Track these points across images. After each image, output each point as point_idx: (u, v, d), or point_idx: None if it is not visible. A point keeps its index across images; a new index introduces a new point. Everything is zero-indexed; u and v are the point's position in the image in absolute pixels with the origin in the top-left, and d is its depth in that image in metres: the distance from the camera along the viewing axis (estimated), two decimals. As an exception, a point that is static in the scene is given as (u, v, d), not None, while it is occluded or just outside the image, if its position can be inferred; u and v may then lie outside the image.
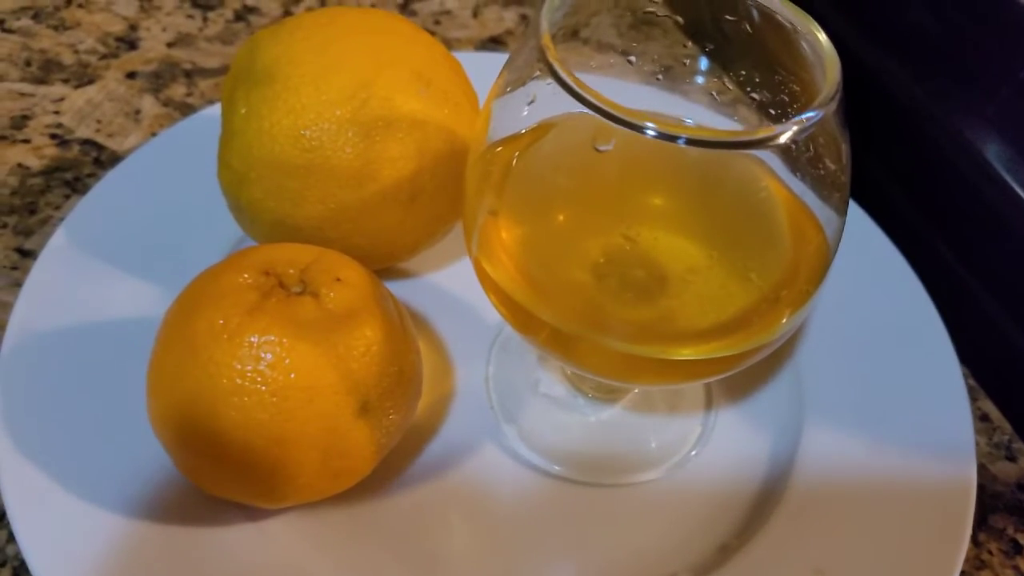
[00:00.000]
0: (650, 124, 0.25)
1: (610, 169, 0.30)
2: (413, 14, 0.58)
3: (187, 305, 0.31)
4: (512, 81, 0.30)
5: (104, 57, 0.52)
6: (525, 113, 0.30)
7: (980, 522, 0.38)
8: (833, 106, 0.27)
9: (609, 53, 0.38)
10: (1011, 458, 0.40)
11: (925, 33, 0.53)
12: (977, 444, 0.40)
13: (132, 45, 0.53)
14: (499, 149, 0.31)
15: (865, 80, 0.51)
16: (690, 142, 0.25)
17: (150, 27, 0.54)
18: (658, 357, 0.29)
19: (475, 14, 0.58)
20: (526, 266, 0.31)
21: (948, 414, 0.38)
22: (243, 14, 0.56)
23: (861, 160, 0.52)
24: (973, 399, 0.42)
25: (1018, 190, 0.44)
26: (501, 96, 0.30)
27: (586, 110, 0.26)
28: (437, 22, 0.58)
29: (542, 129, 0.32)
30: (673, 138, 0.25)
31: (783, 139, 0.26)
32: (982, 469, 0.40)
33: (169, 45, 0.53)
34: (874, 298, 0.42)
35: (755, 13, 0.31)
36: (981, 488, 0.39)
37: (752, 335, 0.30)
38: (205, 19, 0.55)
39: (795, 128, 0.26)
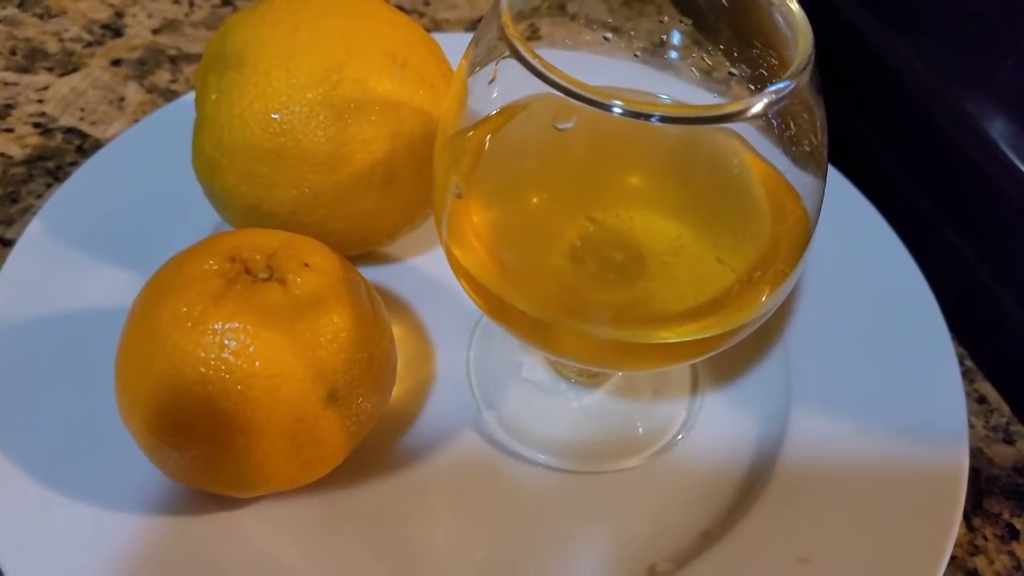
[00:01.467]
0: (617, 102, 0.24)
1: (582, 149, 0.30)
2: (403, -5, 0.57)
3: (152, 293, 0.31)
4: (478, 61, 0.29)
5: (89, 45, 0.52)
6: (494, 95, 0.29)
7: (975, 507, 0.37)
8: (805, 77, 0.26)
9: (596, 29, 0.37)
10: (1009, 441, 0.39)
11: (927, 5, 0.52)
12: (974, 427, 0.39)
13: (117, 32, 0.53)
14: (468, 131, 0.31)
15: (866, 54, 0.50)
16: (660, 119, 0.24)
17: (136, 13, 0.54)
18: (637, 341, 0.29)
19: (465, -6, 0.57)
20: (498, 251, 0.30)
21: (940, 395, 0.37)
22: (230, -1, 0.55)
23: (861, 137, 0.51)
24: (970, 380, 0.41)
25: (1021, 167, 0.43)
26: (468, 77, 0.30)
27: (551, 89, 0.25)
28: (427, 2, 0.57)
29: (511, 110, 0.31)
30: (639, 115, 0.24)
31: (753, 111, 0.25)
32: (978, 452, 0.39)
33: (155, 31, 0.53)
34: (866, 277, 0.41)
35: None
36: (976, 472, 0.38)
37: (733, 313, 0.29)
38: (192, 4, 0.55)
39: (766, 100, 0.25)
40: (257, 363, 0.29)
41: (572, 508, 0.35)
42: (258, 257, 0.31)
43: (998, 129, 0.45)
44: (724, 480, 0.35)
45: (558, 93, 0.25)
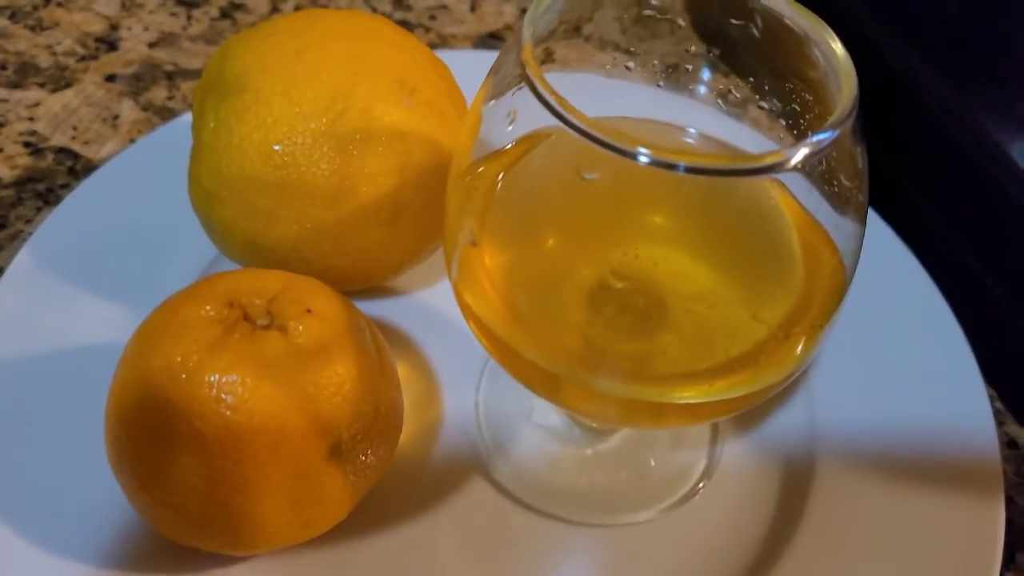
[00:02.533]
0: (644, 150, 0.23)
1: (603, 188, 0.28)
2: (408, 8, 0.55)
3: (145, 339, 0.29)
4: (495, 94, 0.27)
5: (83, 59, 0.50)
6: (510, 128, 0.28)
7: (1007, 560, 0.35)
8: (849, 124, 0.24)
9: (612, 51, 0.35)
10: (1041, 489, 0.37)
11: (952, 29, 0.50)
12: (1004, 472, 0.38)
13: (112, 46, 0.51)
14: (481, 168, 0.29)
15: (888, 78, 0.48)
16: (689, 170, 0.23)
17: (131, 26, 0.52)
18: (657, 400, 0.27)
19: (472, 8, 0.56)
20: (511, 296, 0.28)
21: (973, 443, 0.36)
22: (229, 11, 0.53)
23: (883, 163, 0.49)
24: (999, 423, 0.39)
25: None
26: (484, 108, 0.28)
27: (573, 132, 0.23)
28: (433, 17, 0.55)
29: (528, 143, 0.29)
30: (670, 166, 0.23)
31: (793, 163, 0.23)
32: (1009, 502, 0.37)
33: (151, 45, 0.51)
34: (894, 317, 0.39)
35: (763, 17, 0.28)
36: (1009, 523, 0.36)
37: (761, 372, 0.27)
38: (189, 17, 0.53)
39: (807, 151, 0.23)
40: (256, 419, 0.27)
41: (585, 564, 0.33)
42: (258, 302, 0.29)
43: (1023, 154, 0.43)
44: (746, 534, 0.34)
45: (581, 138, 0.23)
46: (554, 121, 0.24)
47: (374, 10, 0.55)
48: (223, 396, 0.27)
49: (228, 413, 0.27)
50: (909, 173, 0.48)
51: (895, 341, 0.38)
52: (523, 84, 0.25)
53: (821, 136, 0.23)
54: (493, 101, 0.27)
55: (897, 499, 0.34)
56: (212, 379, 0.27)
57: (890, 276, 0.40)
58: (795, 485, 0.35)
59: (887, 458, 0.35)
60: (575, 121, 0.23)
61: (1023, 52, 0.47)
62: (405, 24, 0.54)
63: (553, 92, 0.24)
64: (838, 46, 0.25)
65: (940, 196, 0.46)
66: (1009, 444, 0.39)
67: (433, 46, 0.51)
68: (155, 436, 0.27)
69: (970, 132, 0.44)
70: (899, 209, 0.44)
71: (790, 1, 0.27)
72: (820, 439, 0.36)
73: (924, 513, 0.34)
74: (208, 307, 0.29)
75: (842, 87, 0.24)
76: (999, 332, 0.42)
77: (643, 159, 0.23)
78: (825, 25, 0.26)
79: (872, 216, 0.42)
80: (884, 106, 0.49)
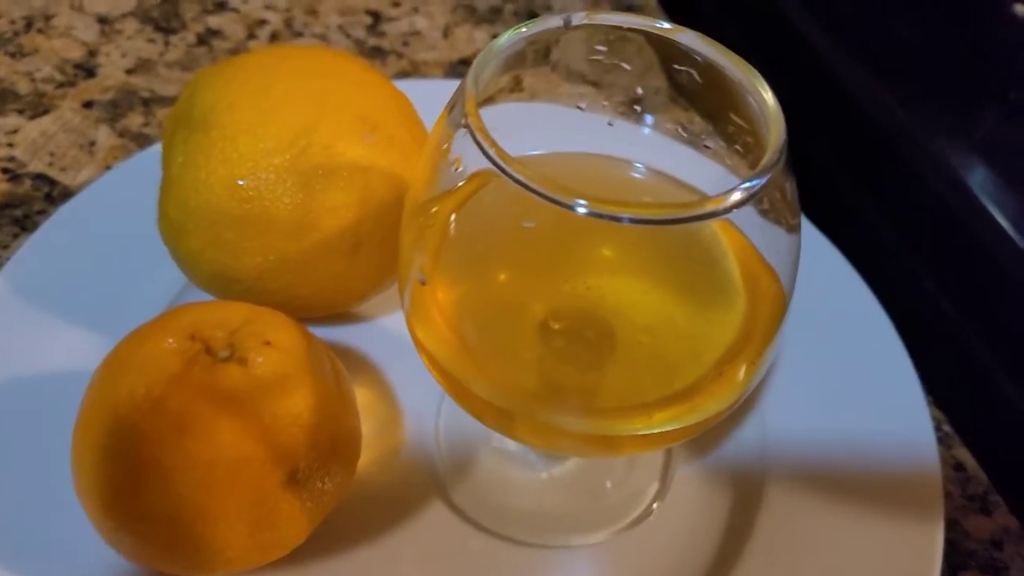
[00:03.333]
0: (581, 202, 0.24)
1: (553, 224, 0.29)
2: (382, 35, 0.56)
3: (111, 370, 0.30)
4: (448, 132, 0.28)
5: (61, 86, 0.51)
6: (461, 171, 0.29)
7: (950, 581, 0.36)
8: (779, 167, 0.26)
9: (578, 83, 0.36)
10: (986, 511, 0.39)
11: (909, 52, 0.51)
12: (950, 495, 0.39)
13: (90, 72, 0.52)
14: (435, 205, 0.30)
15: (846, 101, 0.49)
16: (625, 220, 0.24)
17: (109, 52, 0.53)
18: (605, 433, 0.28)
19: (445, 34, 0.57)
20: (462, 332, 0.29)
21: (916, 465, 0.37)
22: (206, 37, 0.55)
23: (840, 186, 0.51)
24: (947, 447, 0.41)
25: (1002, 223, 0.42)
26: (439, 147, 0.29)
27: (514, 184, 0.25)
28: (406, 43, 0.56)
29: (480, 180, 0.30)
30: (606, 216, 0.24)
31: (726, 206, 0.25)
32: (954, 524, 0.38)
33: (128, 72, 0.52)
34: (843, 341, 0.40)
35: (702, 64, 0.29)
36: (952, 544, 0.37)
37: (706, 401, 0.29)
38: (167, 43, 0.54)
39: (739, 196, 0.25)
40: (215, 449, 0.28)
41: (541, 584, 0.34)
42: (219, 335, 0.30)
43: (977, 180, 0.44)
44: (698, 552, 0.35)
45: (522, 190, 0.24)
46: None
47: (348, 36, 0.56)
48: (184, 427, 0.28)
49: (188, 442, 0.28)
50: (865, 196, 0.49)
51: (843, 365, 0.40)
52: (470, 137, 0.26)
53: (752, 183, 0.25)
54: (445, 144, 0.28)
55: (842, 519, 0.35)
56: (174, 410, 0.28)
57: (840, 305, 0.42)
58: (745, 505, 0.36)
59: (833, 479, 0.36)
60: (515, 174, 0.24)
61: (977, 69, 0.49)
62: (378, 50, 0.55)
63: (494, 144, 0.25)
64: (768, 95, 0.27)
65: (894, 219, 0.47)
66: (956, 467, 0.40)
67: (405, 73, 0.52)
68: (119, 464, 0.28)
69: (922, 153, 0.45)
70: (854, 234, 0.46)
71: (725, 51, 0.28)
72: (769, 460, 0.37)
73: (867, 531, 0.35)
74: (171, 340, 0.30)
75: (771, 134, 0.26)
76: (950, 356, 0.43)
77: (582, 211, 0.24)
78: (755, 72, 0.27)
79: (824, 242, 0.44)
80: (833, 121, 0.51)
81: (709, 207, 0.24)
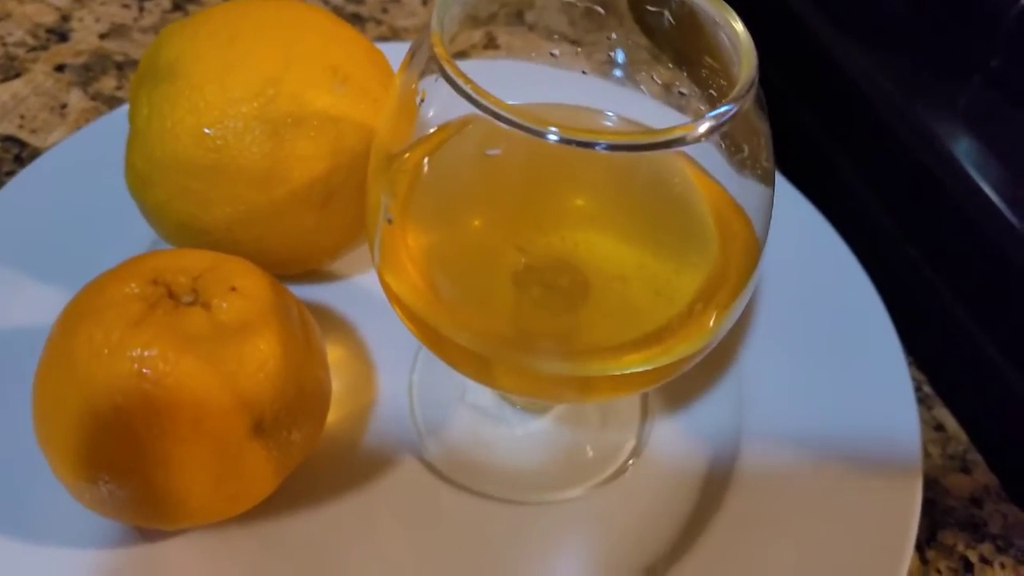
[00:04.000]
0: (552, 129, 0.23)
1: (521, 170, 0.28)
2: (360, 2, 0.56)
3: (69, 318, 0.29)
4: (412, 78, 0.28)
5: (33, 49, 0.50)
6: (429, 114, 0.28)
7: (929, 539, 0.36)
8: (749, 99, 0.25)
9: (553, 39, 0.36)
10: (965, 470, 0.38)
11: (893, 19, 0.51)
12: (930, 455, 0.39)
13: (63, 37, 0.51)
14: (404, 152, 0.29)
15: (829, 69, 0.49)
16: (596, 146, 0.23)
17: (83, 17, 0.52)
18: (581, 374, 0.27)
19: (424, 1, 0.56)
20: (433, 279, 0.29)
21: (895, 423, 0.36)
22: (181, 3, 0.54)
23: (825, 154, 0.50)
24: (928, 407, 0.40)
25: (985, 189, 0.42)
26: (403, 93, 0.28)
27: (483, 115, 0.24)
28: (385, 10, 0.55)
29: (450, 127, 0.30)
30: (575, 143, 0.23)
31: (694, 136, 0.24)
32: (934, 483, 0.38)
33: (102, 36, 0.51)
34: (821, 297, 0.40)
35: (673, 6, 0.29)
36: (931, 503, 0.37)
37: (681, 342, 0.28)
38: (141, 9, 0.53)
39: (708, 125, 0.24)
40: (177, 393, 0.27)
41: (516, 541, 0.33)
42: (182, 280, 0.30)
43: (962, 147, 0.44)
44: (673, 509, 0.34)
45: (488, 118, 0.24)
46: (467, 107, 0.24)
47: (327, 3, 0.55)
48: (144, 371, 0.27)
49: (149, 387, 0.27)
50: (844, 154, 0.49)
51: (821, 324, 0.39)
52: (436, 70, 0.25)
53: (721, 110, 0.24)
54: (412, 86, 0.28)
55: (819, 477, 0.35)
56: (134, 354, 0.27)
57: (820, 263, 0.41)
58: (720, 462, 0.36)
59: (810, 436, 0.36)
60: (486, 103, 0.24)
61: (960, 36, 0.48)
62: (357, 17, 0.55)
63: (463, 76, 0.24)
64: (739, 26, 0.26)
65: (874, 180, 0.47)
66: (936, 428, 0.40)
67: (384, 39, 0.51)
68: (78, 412, 0.28)
69: (908, 122, 0.45)
70: (835, 196, 0.45)
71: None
72: (746, 418, 0.37)
73: (845, 490, 0.34)
74: (133, 285, 0.29)
75: (742, 64, 0.25)
76: (930, 317, 0.43)
77: (552, 138, 0.23)
78: (729, 8, 0.27)
79: (803, 202, 0.43)
80: (821, 90, 0.50)
81: (678, 133, 0.24)
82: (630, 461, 0.36)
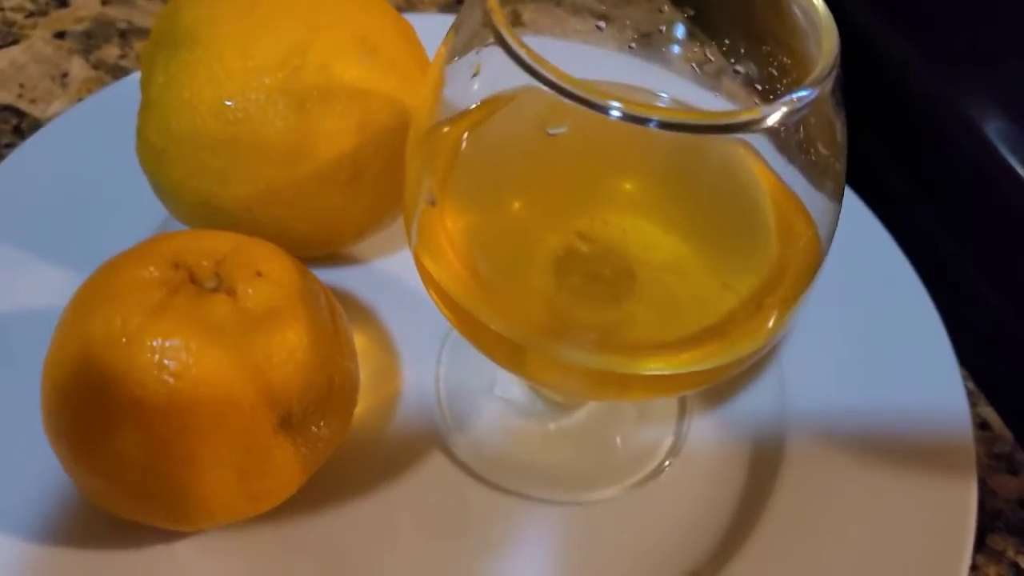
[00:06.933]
0: (616, 104, 0.21)
1: (572, 151, 0.27)
2: (375, -28, 0.53)
3: (83, 302, 0.27)
4: (459, 48, 0.26)
5: (32, 15, 0.48)
6: (475, 87, 0.26)
7: (978, 543, 0.34)
8: (829, 84, 0.23)
9: (585, 16, 0.34)
10: (1012, 471, 0.37)
11: (938, 11, 0.49)
12: (975, 455, 0.37)
13: (63, 2, 0.49)
14: (445, 127, 0.27)
15: (860, 50, 0.47)
16: (663, 125, 0.21)
17: (84, -18, 0.50)
18: (623, 372, 0.26)
19: (442, -28, 0.54)
20: (473, 262, 0.27)
21: (946, 424, 0.35)
22: (188, -31, 0.51)
23: (854, 137, 0.49)
24: (972, 405, 0.39)
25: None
26: (447, 66, 0.26)
27: (540, 85, 0.22)
28: (400, -20, 0.53)
29: (495, 102, 0.28)
30: (642, 120, 0.21)
31: (770, 122, 0.22)
32: (980, 484, 0.36)
33: (104, 2, 0.49)
34: (868, 293, 0.38)
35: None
36: (980, 505, 0.35)
37: (731, 345, 0.26)
38: (146, -27, 0.51)
39: (785, 110, 0.22)
40: (201, 387, 0.25)
41: (546, 542, 0.32)
42: (205, 263, 0.27)
43: (996, 130, 0.42)
44: (714, 512, 0.33)
45: (549, 91, 0.22)
46: (521, 78, 0.22)
47: (339, -28, 0.53)
48: (166, 362, 0.25)
49: (171, 380, 0.25)
50: (888, 156, 0.47)
51: (868, 320, 0.38)
52: (489, 40, 0.23)
53: (800, 93, 0.22)
54: (457, 58, 0.26)
55: (868, 479, 0.33)
56: (154, 344, 0.25)
57: (865, 255, 0.39)
58: (764, 463, 0.34)
59: (858, 437, 0.34)
60: (544, 73, 0.22)
61: (995, 19, 0.47)
62: (371, -13, 0.52)
63: (522, 44, 0.22)
64: (819, 2, 0.24)
65: (919, 179, 0.45)
66: (981, 426, 0.38)
67: (400, 9, 0.49)
68: (93, 404, 0.26)
69: (954, 117, 0.43)
70: (876, 191, 0.43)
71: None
72: (791, 416, 0.35)
73: (895, 494, 0.33)
74: (152, 268, 0.27)
75: (823, 44, 0.23)
76: (972, 313, 0.41)
77: (615, 113, 0.21)
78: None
79: (848, 194, 0.41)
80: (866, 89, 0.48)
81: (749, 116, 0.22)
82: (667, 461, 0.34)
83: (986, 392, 0.39)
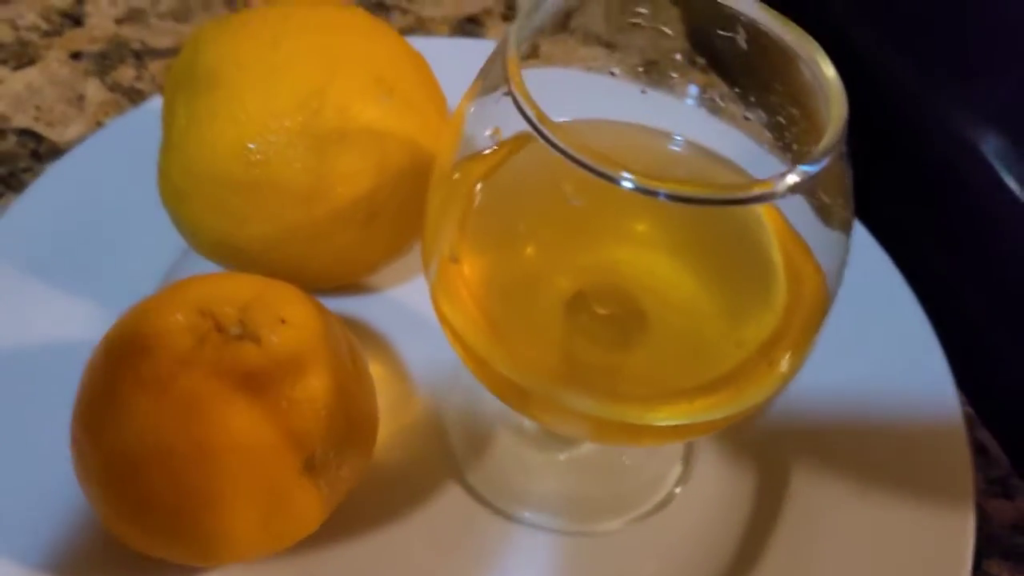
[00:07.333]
0: (628, 176, 0.22)
1: (588, 200, 0.27)
2: (384, -11, 0.54)
3: (114, 348, 0.28)
4: (481, 102, 0.26)
5: (47, 35, 0.48)
6: (494, 139, 0.27)
7: (975, 568, 0.35)
8: (838, 150, 0.24)
9: (598, 48, 0.34)
10: (1008, 496, 0.38)
11: (924, 19, 0.50)
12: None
13: (77, 21, 0.49)
14: (464, 172, 0.28)
15: (858, 69, 0.47)
16: (674, 198, 0.22)
17: (98, 1, 0.50)
18: (634, 422, 0.27)
19: (450, -11, 0.54)
20: (489, 307, 0.28)
21: (945, 450, 0.36)
22: (199, -13, 0.52)
23: (860, 169, 0.49)
24: (968, 428, 0.40)
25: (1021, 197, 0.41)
26: (468, 115, 0.27)
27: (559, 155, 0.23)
28: (410, -1, 0.54)
29: (510, 146, 0.28)
30: (656, 193, 0.22)
31: (780, 192, 0.23)
32: (977, 509, 0.37)
33: (118, 22, 0.49)
34: (870, 325, 0.39)
35: (749, 30, 0.27)
36: (977, 530, 0.36)
37: (741, 393, 0.27)
38: (158, -8, 0.51)
39: (796, 180, 0.23)
40: (228, 435, 0.26)
41: (558, 572, 0.33)
42: (229, 311, 0.28)
43: (993, 149, 0.43)
44: (722, 542, 0.33)
45: (560, 160, 0.23)
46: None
47: (349, -11, 0.53)
48: (194, 410, 0.26)
49: (198, 428, 0.26)
50: (889, 185, 0.48)
51: (870, 348, 0.38)
52: (510, 101, 0.24)
53: (810, 168, 0.23)
54: (477, 109, 0.26)
55: (870, 507, 0.34)
56: (183, 392, 0.26)
57: (867, 282, 0.40)
58: (771, 491, 0.35)
59: (861, 466, 0.35)
60: (561, 145, 0.22)
61: (992, 38, 0.47)
62: (382, 6, 0.53)
63: (537, 110, 0.23)
64: (829, 68, 0.25)
65: (920, 203, 0.46)
66: (979, 450, 0.39)
67: (411, 29, 0.50)
68: (123, 449, 0.27)
69: (947, 134, 0.44)
70: (876, 215, 0.44)
71: (777, 16, 0.26)
72: (796, 445, 0.36)
73: (896, 520, 0.34)
74: (179, 315, 0.28)
75: (831, 112, 0.24)
76: (970, 338, 0.42)
77: (627, 184, 0.22)
78: (813, 42, 0.26)
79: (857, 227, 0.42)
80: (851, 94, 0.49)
81: (760, 190, 0.23)
82: (677, 488, 0.35)
83: (983, 416, 0.40)
